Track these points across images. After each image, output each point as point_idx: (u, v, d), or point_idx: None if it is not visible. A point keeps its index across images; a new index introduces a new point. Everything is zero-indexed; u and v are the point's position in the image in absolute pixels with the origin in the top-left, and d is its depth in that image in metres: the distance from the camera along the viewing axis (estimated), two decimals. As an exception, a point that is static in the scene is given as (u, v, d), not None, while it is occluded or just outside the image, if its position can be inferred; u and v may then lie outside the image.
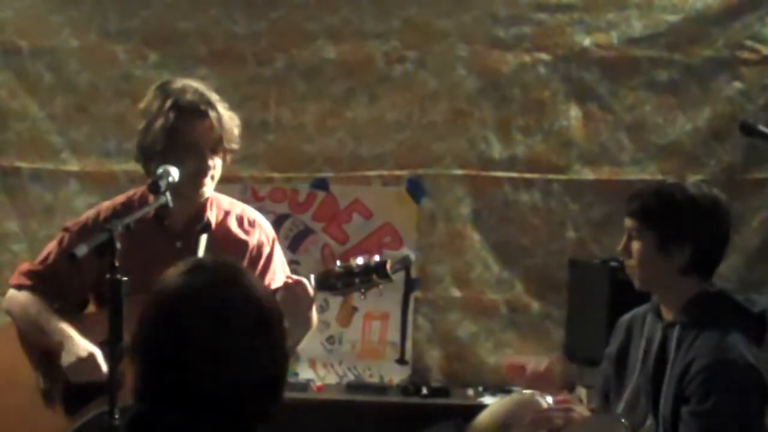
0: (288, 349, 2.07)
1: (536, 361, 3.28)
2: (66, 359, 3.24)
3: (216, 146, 3.25)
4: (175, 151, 3.21)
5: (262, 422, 2.01)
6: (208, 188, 3.30)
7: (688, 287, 3.06)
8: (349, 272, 3.16)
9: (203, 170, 3.24)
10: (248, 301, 2.01)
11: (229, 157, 3.32)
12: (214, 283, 2.02)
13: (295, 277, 3.18)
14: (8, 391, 3.34)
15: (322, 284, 3.17)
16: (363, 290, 3.18)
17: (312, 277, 3.17)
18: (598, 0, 5.23)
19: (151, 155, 3.25)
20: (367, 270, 3.15)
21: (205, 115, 3.23)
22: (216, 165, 3.28)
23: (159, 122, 3.23)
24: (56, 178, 5.21)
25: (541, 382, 3.28)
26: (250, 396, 1.98)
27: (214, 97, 3.29)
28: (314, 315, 3.24)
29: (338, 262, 3.21)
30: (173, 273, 2.03)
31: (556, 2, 5.22)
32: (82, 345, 3.24)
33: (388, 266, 3.14)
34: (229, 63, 5.18)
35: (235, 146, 3.30)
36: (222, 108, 3.28)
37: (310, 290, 3.14)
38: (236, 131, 3.30)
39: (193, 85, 3.30)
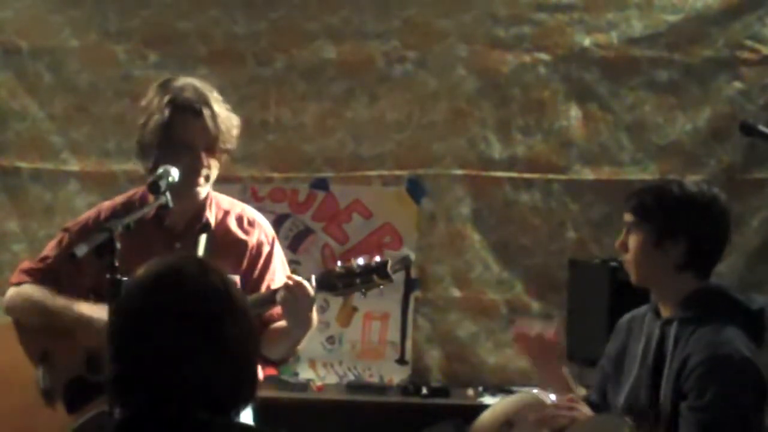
0: (251, 347, 2.10)
1: (543, 327, 3.28)
2: (95, 326, 3.19)
3: (211, 146, 3.23)
4: (169, 148, 3.21)
5: (218, 416, 2.03)
6: (203, 188, 3.28)
7: (683, 284, 3.07)
8: (349, 273, 3.16)
9: (196, 169, 3.22)
10: (214, 296, 2.04)
11: (224, 158, 3.30)
12: (181, 276, 2.06)
13: (295, 277, 3.17)
14: (8, 391, 3.34)
15: (322, 285, 3.17)
16: (364, 291, 3.18)
17: (312, 277, 3.17)
18: (598, 0, 5.23)
19: (147, 152, 3.26)
20: (368, 270, 3.15)
21: (200, 114, 3.22)
22: (211, 165, 3.26)
23: (155, 119, 3.23)
24: (56, 178, 5.21)
25: (546, 349, 3.27)
26: (199, 392, 1.99)
27: (214, 96, 3.27)
28: (314, 315, 3.23)
29: (339, 263, 3.20)
30: (144, 269, 2.09)
31: (556, 2, 5.22)
32: (101, 314, 3.21)
33: (388, 266, 3.14)
34: (229, 63, 5.18)
35: (230, 147, 3.28)
36: (219, 107, 3.26)
37: (310, 291, 3.14)
38: (234, 132, 3.29)
39: (193, 83, 3.29)
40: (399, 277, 5.01)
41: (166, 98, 3.24)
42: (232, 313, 2.06)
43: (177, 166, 3.15)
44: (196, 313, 2.01)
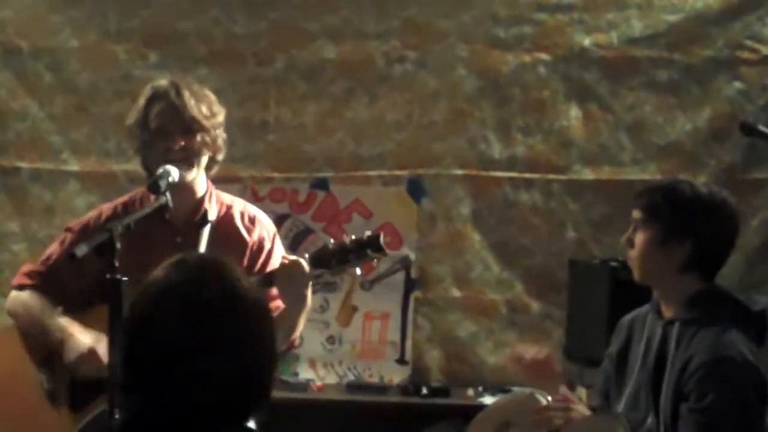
0: (280, 340, 2.06)
1: (536, 350, 3.28)
2: (68, 356, 3.27)
3: (188, 126, 3.23)
4: (146, 139, 3.25)
5: (239, 420, 2.01)
6: (189, 174, 3.26)
7: (687, 285, 3.07)
8: (342, 249, 3.16)
9: (170, 148, 3.21)
10: (231, 297, 2.01)
11: (212, 141, 3.28)
12: (194, 277, 2.02)
13: (291, 257, 3.19)
14: (13, 392, 3.35)
15: (316, 262, 3.17)
16: (359, 265, 3.18)
17: (306, 256, 3.18)
18: (598, 0, 5.23)
19: (138, 150, 3.31)
20: (360, 245, 3.15)
21: (163, 97, 3.24)
22: (192, 147, 3.24)
23: (135, 117, 3.28)
24: (56, 178, 5.21)
25: (541, 369, 3.28)
26: (227, 393, 1.97)
27: (193, 88, 3.28)
28: (309, 294, 3.23)
29: (331, 240, 3.21)
30: (157, 271, 2.05)
31: (556, 2, 5.22)
32: (82, 341, 3.26)
33: (381, 239, 3.13)
34: (229, 63, 5.18)
35: (206, 124, 3.25)
36: (190, 92, 3.25)
37: (306, 268, 3.15)
38: (216, 111, 3.28)
39: (175, 79, 3.32)
40: (399, 277, 5.03)
41: (145, 95, 3.29)
42: (252, 315, 2.03)
43: (153, 153, 3.20)
44: (209, 315, 1.97)
